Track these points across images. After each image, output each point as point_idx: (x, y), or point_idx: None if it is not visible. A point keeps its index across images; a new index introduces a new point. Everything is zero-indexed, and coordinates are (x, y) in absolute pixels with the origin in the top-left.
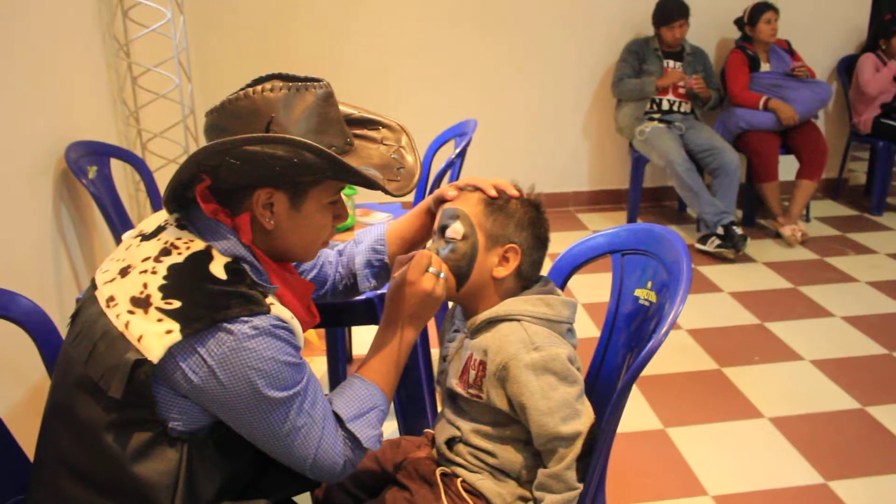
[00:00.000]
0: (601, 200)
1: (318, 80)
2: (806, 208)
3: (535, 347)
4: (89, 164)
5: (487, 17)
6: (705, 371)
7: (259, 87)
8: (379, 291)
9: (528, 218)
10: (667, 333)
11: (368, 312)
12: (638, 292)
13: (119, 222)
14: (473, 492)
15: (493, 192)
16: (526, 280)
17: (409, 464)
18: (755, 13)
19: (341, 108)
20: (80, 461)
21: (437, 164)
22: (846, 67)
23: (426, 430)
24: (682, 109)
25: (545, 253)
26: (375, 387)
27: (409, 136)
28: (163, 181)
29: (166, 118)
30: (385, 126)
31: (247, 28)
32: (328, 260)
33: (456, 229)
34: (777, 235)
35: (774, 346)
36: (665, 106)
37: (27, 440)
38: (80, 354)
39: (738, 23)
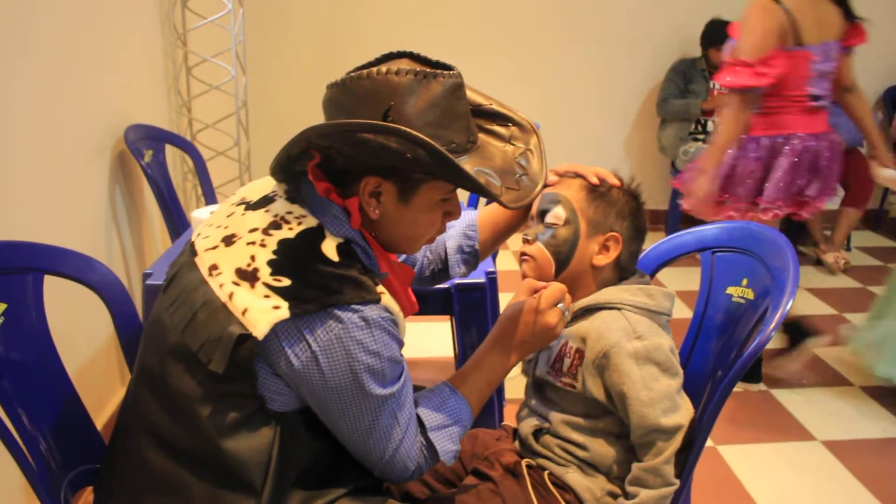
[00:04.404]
0: None
1: (449, 68)
2: (847, 237)
3: (637, 336)
4: (146, 148)
5: (535, 34)
6: (753, 392)
7: (384, 68)
8: (458, 281)
9: (629, 208)
10: (776, 328)
11: (446, 303)
12: (731, 290)
13: (172, 206)
14: (561, 485)
15: (595, 180)
16: (624, 271)
17: (492, 455)
18: None
19: (472, 95)
20: (169, 433)
21: None
22: (892, 97)
23: (504, 423)
24: None
25: (642, 245)
26: (465, 402)
27: (539, 138)
28: (212, 172)
29: (218, 109)
30: (516, 124)
31: (305, 23)
32: None
33: (557, 214)
34: (818, 262)
35: (822, 371)
36: (710, 127)
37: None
38: (176, 322)
39: None
